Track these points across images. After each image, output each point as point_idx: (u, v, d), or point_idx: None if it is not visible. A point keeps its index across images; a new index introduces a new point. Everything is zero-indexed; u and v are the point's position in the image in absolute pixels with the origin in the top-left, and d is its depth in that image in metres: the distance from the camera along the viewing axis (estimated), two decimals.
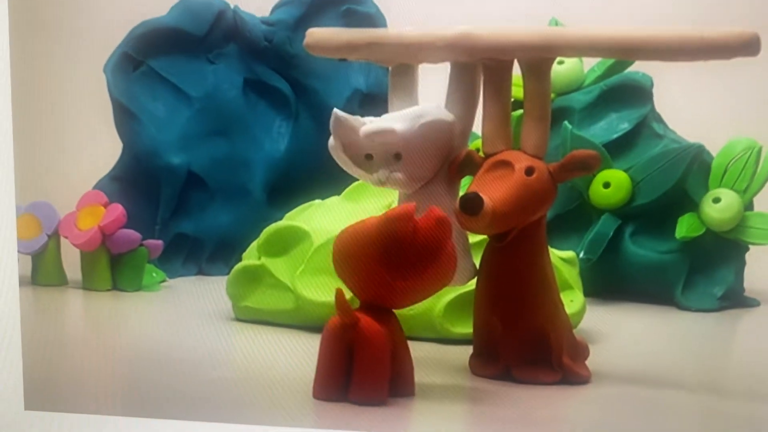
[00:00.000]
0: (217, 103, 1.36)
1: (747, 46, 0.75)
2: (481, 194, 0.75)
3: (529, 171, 0.78)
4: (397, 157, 0.79)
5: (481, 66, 0.83)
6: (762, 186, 1.20)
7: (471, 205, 0.75)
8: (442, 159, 0.81)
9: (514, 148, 0.82)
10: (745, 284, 1.23)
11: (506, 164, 0.79)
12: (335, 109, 0.79)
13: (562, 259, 1.04)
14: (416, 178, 0.80)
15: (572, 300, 0.99)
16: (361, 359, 0.72)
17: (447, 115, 0.81)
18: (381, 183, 0.80)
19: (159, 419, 0.70)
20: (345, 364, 0.73)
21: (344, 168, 0.82)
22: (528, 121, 0.81)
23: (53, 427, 0.70)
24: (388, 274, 0.73)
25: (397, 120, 0.79)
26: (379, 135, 0.78)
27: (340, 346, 0.73)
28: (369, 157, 0.79)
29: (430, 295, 0.76)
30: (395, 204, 1.03)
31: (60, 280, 1.23)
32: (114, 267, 1.20)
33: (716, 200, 1.19)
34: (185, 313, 1.09)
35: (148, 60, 1.34)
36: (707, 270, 1.21)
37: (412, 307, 0.94)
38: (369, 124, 0.78)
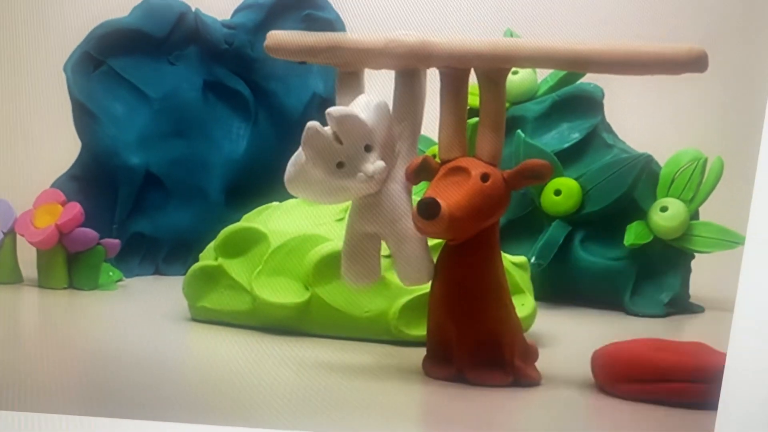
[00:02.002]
0: (176, 104, 1.35)
1: (695, 62, 0.76)
2: (438, 199, 0.75)
3: (485, 177, 0.78)
4: (368, 148, 0.79)
5: (425, 73, 0.83)
6: (707, 196, 1.22)
7: (428, 209, 0.75)
8: (395, 144, 0.82)
9: (469, 155, 0.82)
10: (691, 291, 1.24)
11: (462, 170, 0.79)
12: (311, 122, 0.78)
13: (514, 264, 1.05)
14: (388, 165, 0.81)
15: (523, 304, 0.99)
16: None
17: (381, 100, 0.82)
18: (368, 178, 0.79)
19: (114, 419, 0.69)
20: None
21: (315, 197, 0.82)
22: (483, 129, 0.81)
23: (7, 426, 0.69)
24: None
25: (355, 108, 0.79)
26: (348, 119, 0.77)
27: None
28: (340, 165, 0.78)
29: None
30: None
31: (16, 278, 1.21)
32: (70, 265, 1.19)
33: (664, 209, 1.21)
34: (142, 313, 1.08)
35: (108, 60, 1.33)
36: (654, 277, 1.22)
37: (367, 310, 0.94)
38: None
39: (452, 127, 0.82)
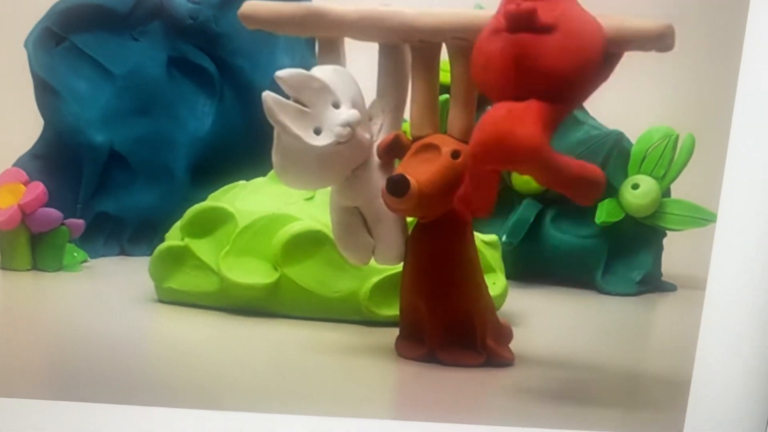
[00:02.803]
0: (140, 80, 1.34)
1: (662, 39, 0.75)
2: (407, 176, 0.75)
3: (455, 154, 0.78)
4: (336, 105, 0.77)
5: (408, 48, 0.82)
6: (679, 173, 1.22)
7: (397, 186, 0.75)
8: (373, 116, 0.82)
9: (441, 132, 0.81)
10: (663, 269, 1.25)
11: (433, 147, 0.79)
12: (268, 94, 0.76)
13: (485, 243, 1.05)
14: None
15: (495, 283, 0.99)
16: None
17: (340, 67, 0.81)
18: (346, 128, 0.76)
19: (80, 402, 0.69)
20: None
21: (314, 178, 0.80)
22: (454, 105, 0.81)
23: None
24: None
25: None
26: (299, 77, 0.76)
27: None
28: (317, 131, 0.76)
29: None
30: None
31: None
32: (34, 246, 1.17)
33: (635, 186, 1.21)
34: (107, 294, 1.07)
35: (70, 36, 1.30)
36: (626, 255, 1.23)
37: (337, 290, 0.94)
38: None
39: (424, 103, 0.82)
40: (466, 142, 0.80)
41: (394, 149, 0.80)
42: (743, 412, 0.70)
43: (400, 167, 0.79)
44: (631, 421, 0.72)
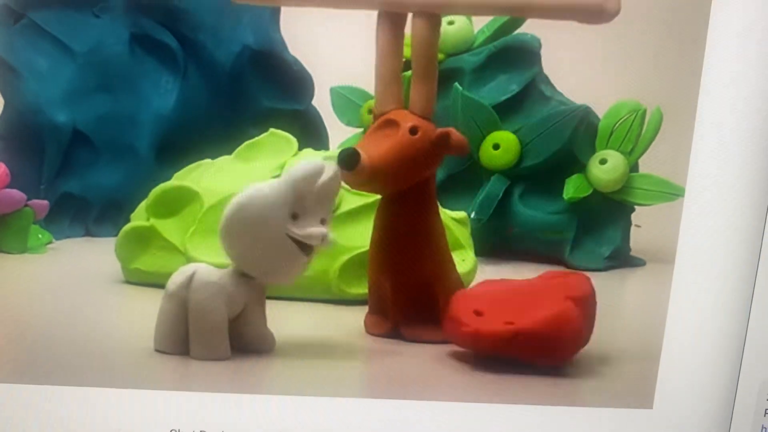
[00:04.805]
0: (102, 58, 1.33)
1: (600, 11, 0.76)
2: (359, 150, 0.75)
3: (414, 130, 0.78)
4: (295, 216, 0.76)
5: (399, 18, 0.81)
6: (646, 148, 1.23)
7: (347, 159, 0.75)
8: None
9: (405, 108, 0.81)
10: (631, 244, 1.26)
11: (393, 123, 0.79)
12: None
13: (454, 219, 1.05)
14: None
15: (464, 259, 1.00)
16: None
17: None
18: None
19: (46, 386, 0.68)
20: None
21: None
22: (416, 81, 0.81)
23: None
24: None
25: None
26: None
27: None
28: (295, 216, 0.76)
29: None
30: (289, 165, 1.02)
31: None
32: None
33: (603, 161, 1.22)
34: (73, 276, 1.06)
35: (29, 13, 1.29)
36: (595, 230, 1.24)
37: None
38: None
39: (386, 78, 0.81)
40: (427, 118, 0.80)
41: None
42: (712, 384, 0.71)
43: (358, 143, 0.79)
44: (601, 396, 0.72)
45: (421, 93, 0.80)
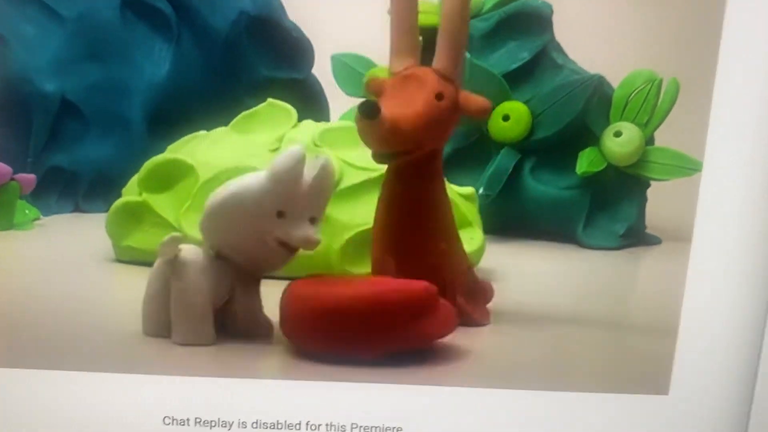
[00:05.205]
0: (92, 24, 1.32)
1: None
2: (377, 103, 0.74)
3: (440, 95, 0.77)
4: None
5: None
6: (662, 120, 1.22)
7: (368, 108, 0.73)
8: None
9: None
10: (647, 221, 1.25)
11: (417, 82, 0.78)
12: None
13: (461, 196, 1.04)
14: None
15: (472, 238, 0.99)
16: None
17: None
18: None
19: (34, 369, 0.68)
20: None
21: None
22: (444, 38, 0.79)
23: None
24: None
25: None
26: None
27: None
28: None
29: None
30: (288, 137, 1.01)
31: None
32: None
33: (617, 134, 1.21)
34: (62, 254, 1.06)
35: None
36: (609, 207, 1.23)
37: None
38: None
39: (406, 31, 0.80)
40: (451, 79, 0.79)
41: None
42: (730, 368, 0.71)
43: (386, 98, 0.77)
44: (616, 381, 0.72)
45: (449, 52, 0.79)
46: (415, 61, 0.80)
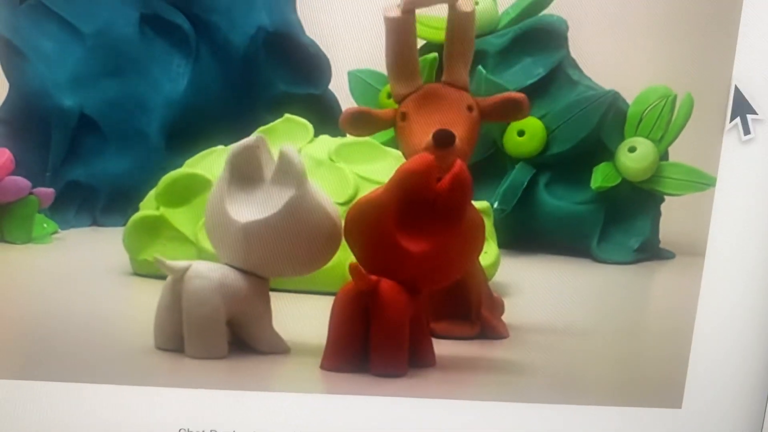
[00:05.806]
0: (111, 40, 1.33)
1: None
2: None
3: (470, 107, 0.78)
4: None
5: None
6: (677, 135, 1.23)
7: (445, 138, 0.74)
8: None
9: None
10: (661, 236, 1.25)
11: (443, 100, 0.78)
12: None
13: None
14: None
15: (486, 252, 0.99)
16: (380, 327, 0.70)
17: None
18: None
19: (51, 382, 0.69)
20: (361, 332, 0.71)
21: None
22: (453, 52, 0.79)
23: None
24: (405, 242, 0.70)
25: None
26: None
27: (355, 313, 0.71)
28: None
29: (455, 271, 0.74)
30: (304, 152, 1.02)
31: None
32: (1, 217, 1.17)
33: (632, 149, 1.21)
34: (79, 268, 1.06)
35: None
36: (623, 221, 1.23)
37: None
38: None
39: (411, 55, 0.80)
40: (465, 89, 0.79)
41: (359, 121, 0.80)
42: (743, 382, 0.71)
43: (420, 119, 0.78)
44: (629, 395, 0.72)
45: (464, 64, 0.80)
46: (419, 81, 0.80)
